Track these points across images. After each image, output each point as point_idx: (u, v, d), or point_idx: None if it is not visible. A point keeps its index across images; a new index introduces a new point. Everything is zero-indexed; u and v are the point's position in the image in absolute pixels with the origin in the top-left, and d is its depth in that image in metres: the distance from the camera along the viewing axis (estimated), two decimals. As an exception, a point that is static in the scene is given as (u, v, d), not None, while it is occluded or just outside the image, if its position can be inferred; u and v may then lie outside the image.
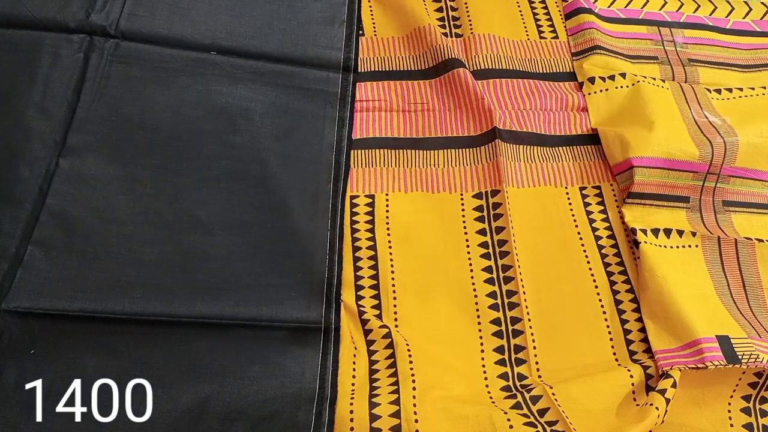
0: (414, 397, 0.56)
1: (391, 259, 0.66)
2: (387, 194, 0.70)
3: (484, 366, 0.61)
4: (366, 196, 0.70)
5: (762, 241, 0.70)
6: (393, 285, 0.64)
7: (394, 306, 0.63)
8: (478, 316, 0.63)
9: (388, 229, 0.68)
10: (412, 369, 0.58)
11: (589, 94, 0.80)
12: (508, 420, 0.55)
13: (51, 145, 0.65)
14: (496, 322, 0.63)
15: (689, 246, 0.68)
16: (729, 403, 0.60)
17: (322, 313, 0.60)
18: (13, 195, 0.61)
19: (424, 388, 0.57)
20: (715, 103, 0.80)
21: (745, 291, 0.66)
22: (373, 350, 0.59)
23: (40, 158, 0.63)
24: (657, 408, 0.55)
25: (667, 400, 0.56)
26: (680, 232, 0.69)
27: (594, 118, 0.78)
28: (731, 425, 0.59)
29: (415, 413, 0.55)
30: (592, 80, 0.81)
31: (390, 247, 0.66)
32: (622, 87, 0.79)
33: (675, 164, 0.71)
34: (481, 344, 0.62)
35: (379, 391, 0.57)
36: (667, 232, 0.69)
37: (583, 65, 0.82)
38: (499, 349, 0.62)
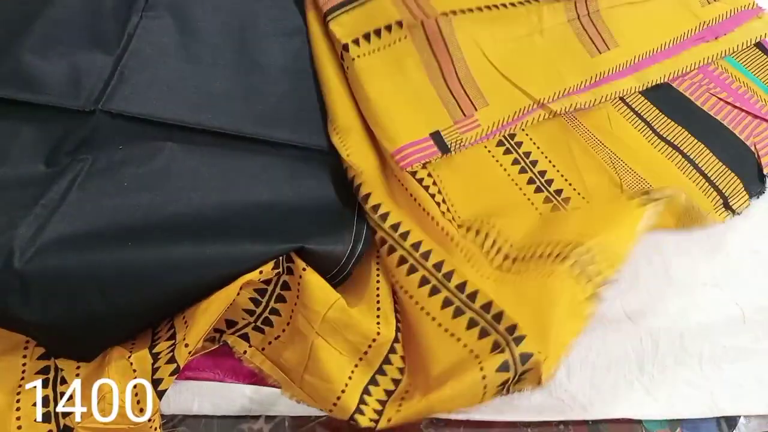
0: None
1: None
2: None
3: None
4: None
5: (455, 13, 0.67)
6: None
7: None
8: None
9: None
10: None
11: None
12: None
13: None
14: None
15: (399, 40, 0.66)
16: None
17: None
18: (102, 43, 0.65)
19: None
20: None
21: (455, 67, 0.66)
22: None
23: (123, 14, 0.67)
24: None
25: None
26: (389, 28, 0.66)
27: None
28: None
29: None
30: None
31: None
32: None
33: None
34: None
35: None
36: (378, 32, 0.66)
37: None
38: None
